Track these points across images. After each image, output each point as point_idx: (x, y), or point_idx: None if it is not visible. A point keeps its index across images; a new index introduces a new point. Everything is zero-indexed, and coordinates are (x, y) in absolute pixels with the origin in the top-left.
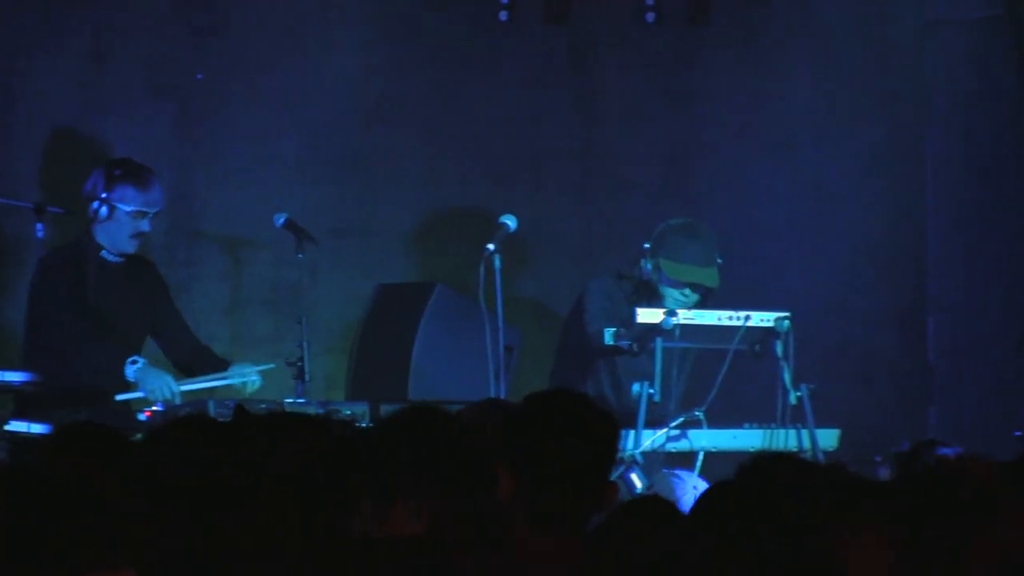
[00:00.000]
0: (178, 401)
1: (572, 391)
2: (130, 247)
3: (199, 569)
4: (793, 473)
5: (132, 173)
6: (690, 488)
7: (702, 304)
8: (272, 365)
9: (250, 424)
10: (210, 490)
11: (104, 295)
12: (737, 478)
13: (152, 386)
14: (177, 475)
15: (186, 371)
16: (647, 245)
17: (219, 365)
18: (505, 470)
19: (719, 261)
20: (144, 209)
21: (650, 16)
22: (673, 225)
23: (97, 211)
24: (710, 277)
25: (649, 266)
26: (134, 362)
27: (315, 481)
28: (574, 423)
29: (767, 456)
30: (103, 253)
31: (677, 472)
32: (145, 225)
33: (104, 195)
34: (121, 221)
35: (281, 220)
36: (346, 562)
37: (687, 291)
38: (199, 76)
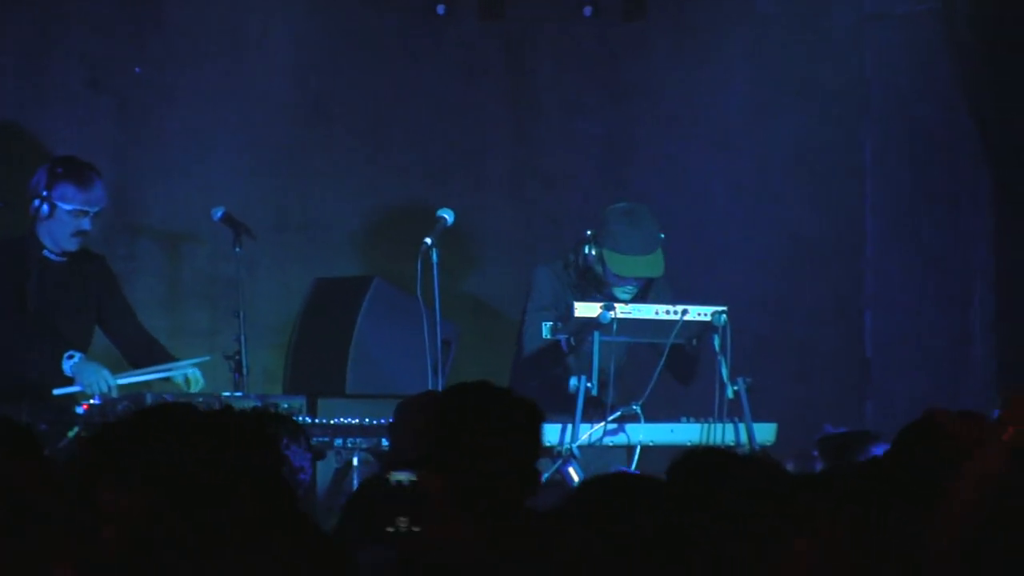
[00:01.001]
0: (115, 394)
1: (489, 383)
2: (71, 245)
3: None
4: (725, 466)
5: (73, 172)
6: None
7: (647, 288)
8: (207, 358)
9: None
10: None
11: (45, 293)
12: (669, 472)
13: (89, 380)
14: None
15: (134, 364)
16: (589, 232)
17: (167, 359)
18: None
19: (661, 237)
20: (84, 208)
21: (587, 10)
22: (615, 211)
23: (38, 209)
24: (654, 266)
25: (593, 253)
26: (71, 356)
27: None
28: (488, 413)
29: (699, 450)
30: (45, 252)
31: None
32: (86, 224)
33: (45, 193)
34: (62, 220)
35: (219, 214)
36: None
37: (632, 283)
38: (137, 70)
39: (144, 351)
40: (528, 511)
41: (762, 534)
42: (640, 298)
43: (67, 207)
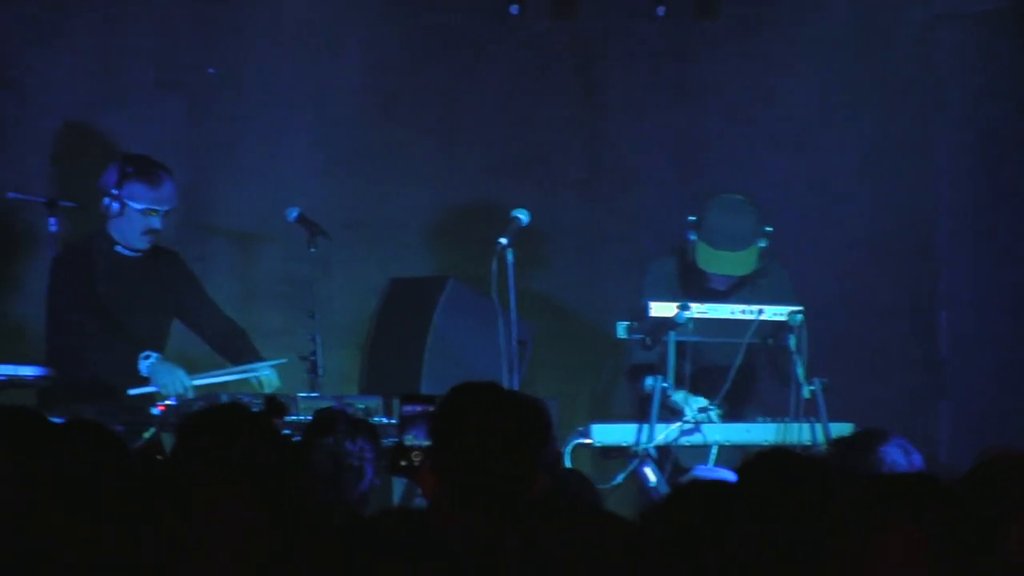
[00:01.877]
0: (191, 395)
1: (495, 385)
2: (142, 243)
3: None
4: (798, 468)
5: (143, 171)
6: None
7: (742, 283)
8: (285, 360)
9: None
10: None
11: (117, 291)
12: (739, 474)
13: (164, 380)
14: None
15: (222, 351)
16: (692, 218)
17: (251, 349)
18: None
19: (767, 230)
20: (154, 207)
21: (660, 10)
22: (715, 201)
23: (109, 207)
24: (745, 263)
25: (694, 239)
26: (147, 357)
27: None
28: (490, 413)
29: (768, 451)
30: (117, 248)
31: (713, 469)
32: (156, 222)
33: (115, 191)
34: (132, 218)
35: (294, 214)
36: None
37: (722, 278)
38: (211, 71)
39: (230, 339)
40: (534, 509)
41: (830, 537)
42: (741, 293)
43: (137, 206)
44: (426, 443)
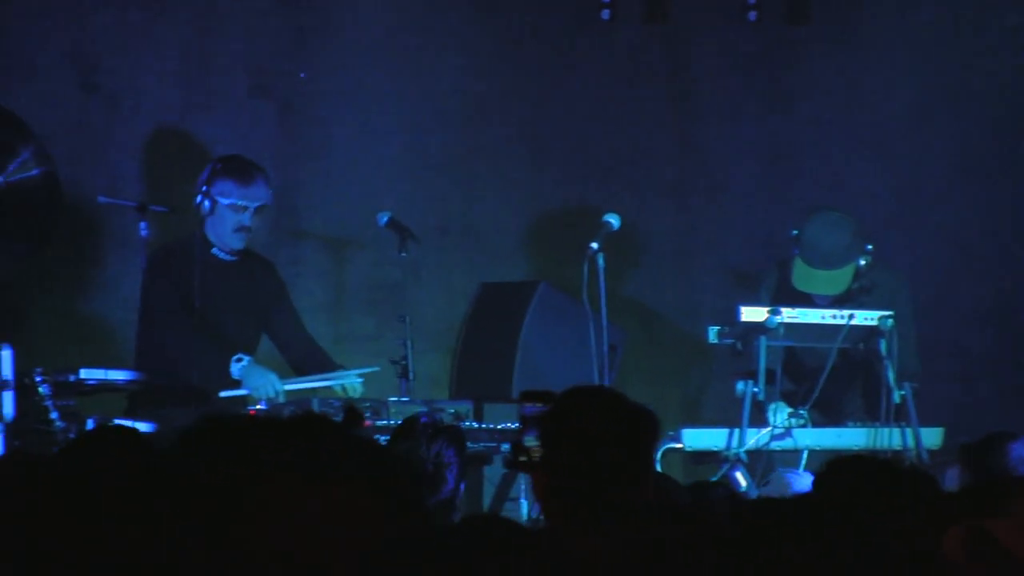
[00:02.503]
0: (282, 399)
1: (608, 388)
2: (236, 242)
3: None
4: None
5: (233, 167)
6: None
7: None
8: (376, 368)
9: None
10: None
11: (211, 293)
12: (816, 484)
13: (256, 384)
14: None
15: (298, 370)
16: (795, 232)
17: (330, 366)
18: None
19: (867, 248)
20: (243, 203)
21: (752, 15)
22: (814, 217)
23: (200, 205)
24: (838, 283)
25: (796, 253)
26: (239, 360)
27: None
28: (602, 421)
29: (845, 459)
30: (214, 251)
31: (793, 471)
32: (246, 219)
33: (205, 188)
34: (222, 215)
35: (384, 219)
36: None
37: (818, 296)
38: (302, 75)
39: (308, 357)
40: (635, 513)
41: (910, 546)
42: (864, 294)
43: (226, 201)
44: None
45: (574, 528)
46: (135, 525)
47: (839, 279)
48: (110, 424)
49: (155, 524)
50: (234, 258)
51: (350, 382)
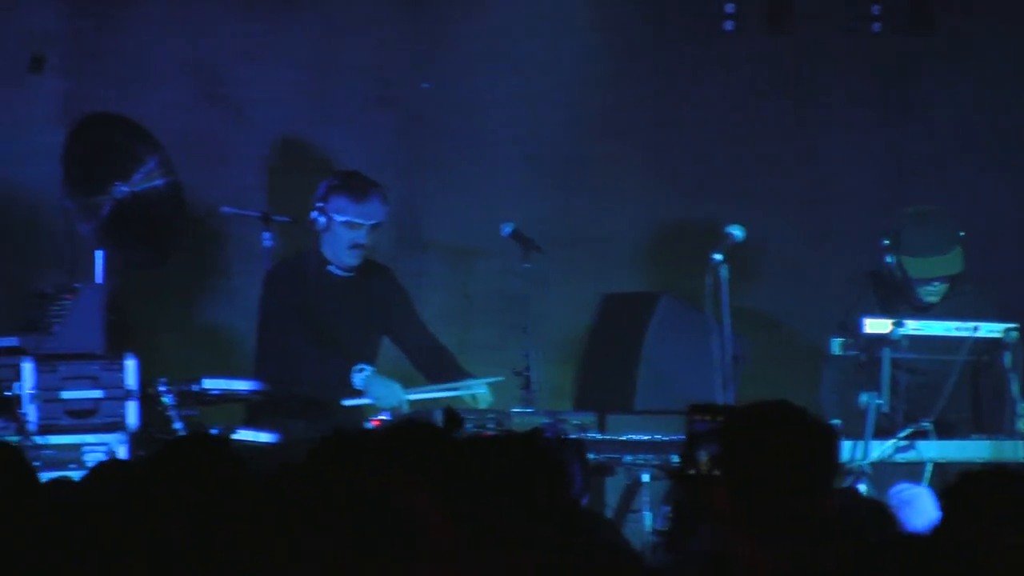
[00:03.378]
0: (405, 409)
1: (787, 402)
2: (351, 259)
3: None
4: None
5: (349, 185)
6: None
7: (952, 289)
8: (501, 378)
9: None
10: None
11: (329, 308)
12: (944, 499)
13: (380, 394)
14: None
15: (424, 371)
16: (886, 241)
17: (457, 370)
18: (719, 482)
19: (961, 235)
20: (359, 220)
21: (876, 26)
22: (904, 216)
23: (316, 221)
24: (954, 263)
25: (892, 261)
26: (361, 370)
27: None
28: (785, 435)
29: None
30: (330, 268)
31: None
32: (361, 236)
33: (321, 204)
34: (337, 232)
35: (508, 230)
36: None
37: (936, 283)
38: (425, 85)
39: (434, 361)
40: (819, 529)
41: None
42: (949, 303)
43: (341, 218)
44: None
45: (754, 542)
46: (209, 530)
47: (955, 260)
48: (200, 433)
49: (231, 528)
50: (350, 274)
51: (480, 392)
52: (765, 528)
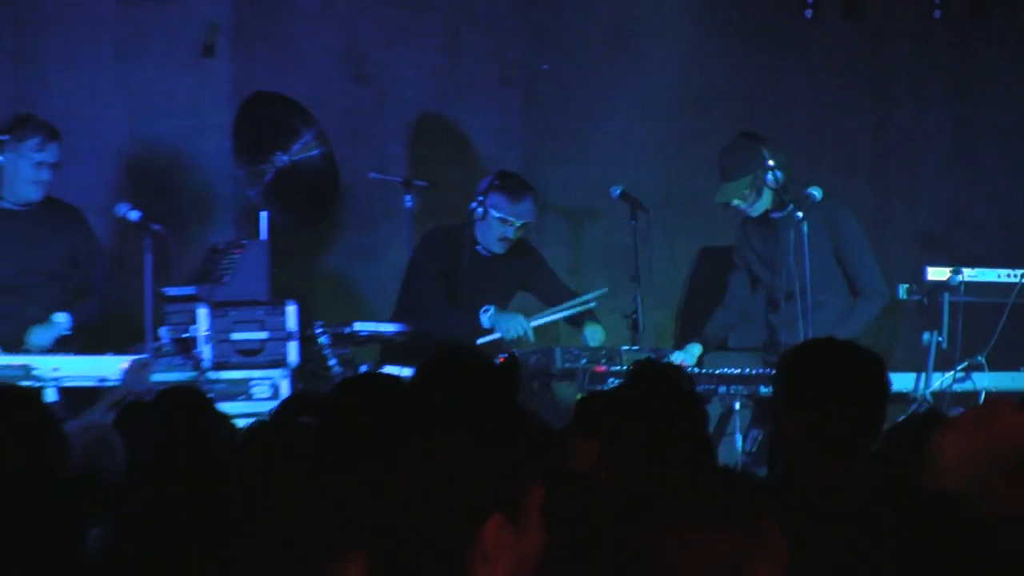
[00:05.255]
0: (531, 336)
1: (834, 340)
2: (497, 248)
3: None
4: None
5: (508, 185)
6: None
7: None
8: (605, 290)
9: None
10: None
11: (472, 279)
12: None
13: (506, 326)
14: None
15: (568, 318)
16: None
17: (591, 314)
18: (791, 409)
19: (768, 164)
20: (511, 219)
21: (936, 13)
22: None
23: (474, 211)
24: (729, 192)
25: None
26: (486, 310)
27: None
28: (835, 364)
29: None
30: (478, 248)
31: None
32: (510, 232)
33: (481, 198)
34: (491, 224)
35: (617, 192)
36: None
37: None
38: (544, 67)
39: (566, 300)
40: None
41: None
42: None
43: (496, 214)
44: None
45: (816, 470)
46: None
47: (732, 189)
48: (376, 371)
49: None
50: (493, 256)
51: (589, 306)
52: (824, 455)
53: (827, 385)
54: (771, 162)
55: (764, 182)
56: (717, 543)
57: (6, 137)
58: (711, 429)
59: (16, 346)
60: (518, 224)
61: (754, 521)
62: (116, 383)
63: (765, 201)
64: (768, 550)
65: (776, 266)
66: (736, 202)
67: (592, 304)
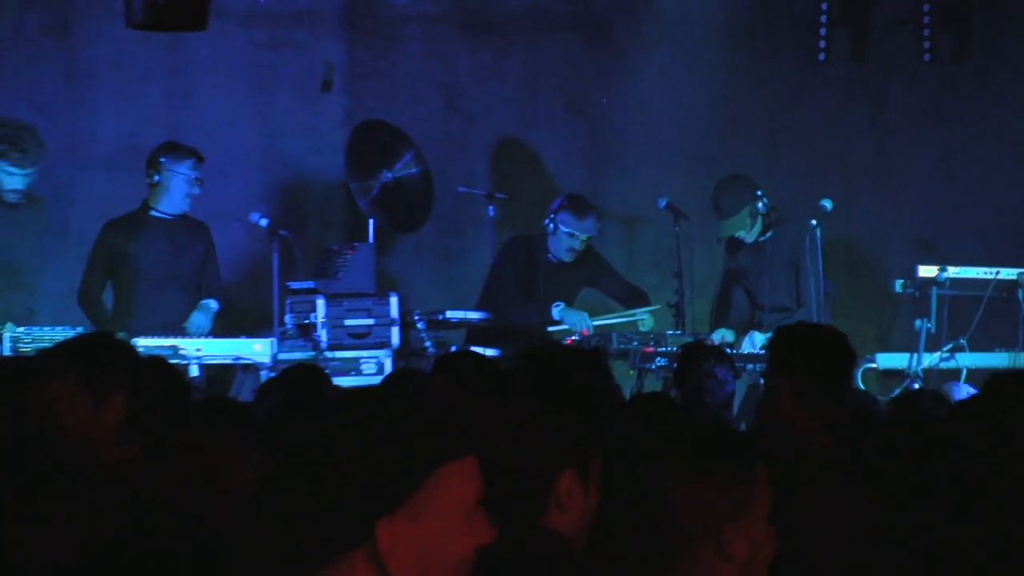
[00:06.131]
0: (591, 332)
1: (815, 324)
2: (566, 257)
3: None
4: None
5: (575, 204)
6: (964, 392)
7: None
8: (657, 306)
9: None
10: None
11: (544, 281)
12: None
13: (573, 321)
14: None
15: (625, 306)
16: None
17: (643, 301)
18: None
19: (758, 194)
20: (576, 232)
21: (926, 56)
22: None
23: (547, 226)
24: (735, 226)
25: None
26: (557, 305)
27: None
28: (813, 340)
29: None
30: (550, 256)
31: (954, 383)
32: (576, 244)
33: (552, 215)
34: (560, 238)
35: (663, 203)
36: None
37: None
38: (604, 100)
39: (629, 298)
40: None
41: None
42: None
43: (565, 229)
44: None
45: (801, 416)
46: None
47: (735, 223)
48: (465, 350)
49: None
50: (563, 263)
51: (641, 316)
52: (818, 408)
53: (809, 351)
54: (758, 192)
55: (757, 210)
56: (723, 488)
57: (164, 159)
58: (739, 400)
59: (175, 329)
60: (583, 237)
61: (752, 471)
62: (248, 361)
63: (758, 227)
64: (763, 495)
65: (765, 281)
66: (740, 233)
67: (645, 316)
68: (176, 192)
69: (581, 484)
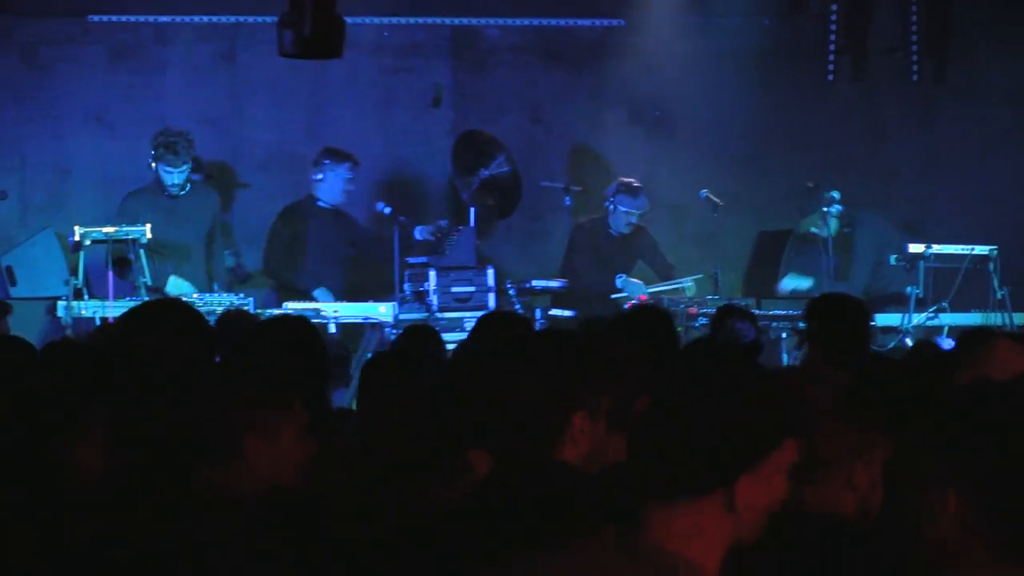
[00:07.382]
0: (647, 296)
1: (833, 293)
2: (626, 230)
3: None
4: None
5: (628, 188)
6: (946, 345)
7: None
8: (700, 275)
9: None
10: None
11: (608, 254)
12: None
13: (632, 289)
14: None
15: (663, 278)
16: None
17: (672, 274)
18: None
19: (832, 196)
20: (632, 210)
21: (914, 76)
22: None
23: (607, 207)
24: (809, 224)
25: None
26: (620, 276)
27: None
28: (834, 307)
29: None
30: (611, 231)
31: (941, 337)
32: (633, 219)
33: (612, 198)
34: (619, 216)
35: (703, 194)
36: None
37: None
38: (656, 112)
39: (668, 271)
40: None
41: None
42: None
43: (623, 208)
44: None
45: (827, 365)
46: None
47: (808, 222)
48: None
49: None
50: (620, 237)
51: (687, 284)
52: (836, 355)
53: (841, 317)
54: (835, 194)
55: (829, 213)
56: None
57: (327, 161)
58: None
59: (336, 292)
60: (638, 213)
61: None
62: (375, 320)
63: (833, 225)
64: (883, 442)
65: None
66: (813, 230)
67: (690, 283)
68: (337, 189)
69: (591, 424)
